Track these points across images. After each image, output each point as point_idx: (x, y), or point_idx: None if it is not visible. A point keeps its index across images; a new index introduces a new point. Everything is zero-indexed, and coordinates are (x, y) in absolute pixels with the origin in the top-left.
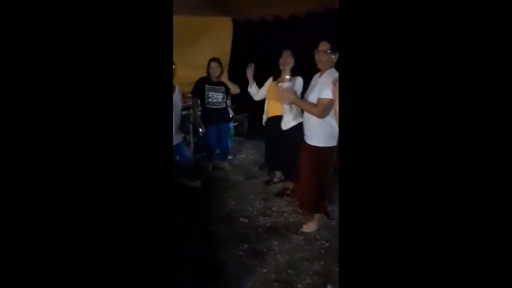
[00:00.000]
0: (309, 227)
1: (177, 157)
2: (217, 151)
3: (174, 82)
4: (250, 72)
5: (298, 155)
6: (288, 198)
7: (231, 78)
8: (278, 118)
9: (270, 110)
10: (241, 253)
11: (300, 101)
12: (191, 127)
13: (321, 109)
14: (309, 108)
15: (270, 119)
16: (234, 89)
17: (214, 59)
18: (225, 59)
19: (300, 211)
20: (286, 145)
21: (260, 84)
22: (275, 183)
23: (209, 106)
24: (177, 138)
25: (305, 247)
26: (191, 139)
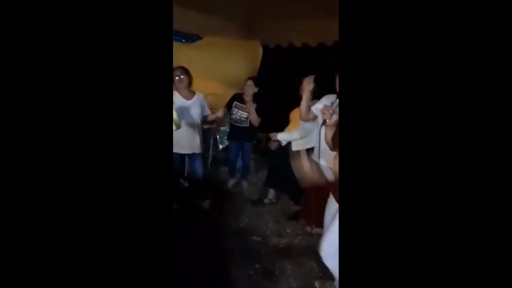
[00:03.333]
0: None
1: (187, 168)
2: (238, 167)
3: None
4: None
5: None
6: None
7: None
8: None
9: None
10: (251, 272)
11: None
12: (211, 141)
13: None
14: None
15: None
16: (255, 119)
17: (251, 78)
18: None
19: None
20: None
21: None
22: (265, 204)
23: (232, 122)
24: (193, 148)
25: (319, 274)
26: (210, 152)
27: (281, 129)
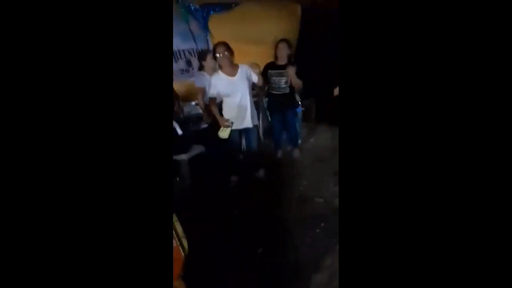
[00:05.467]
0: None
1: (244, 142)
2: (284, 137)
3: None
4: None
5: None
6: None
7: (296, 63)
8: None
9: None
10: (318, 230)
11: None
12: (260, 112)
13: None
14: None
15: None
16: (297, 83)
17: (282, 40)
18: (293, 44)
19: None
20: None
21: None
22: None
23: (272, 92)
24: (247, 122)
25: None
26: (260, 124)
27: (328, 91)
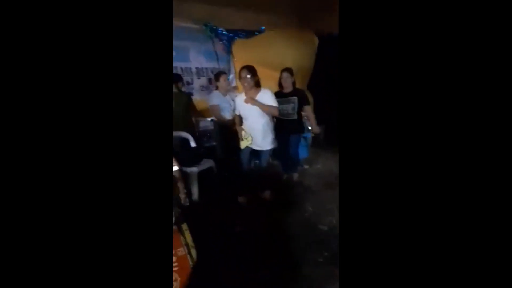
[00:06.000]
0: None
1: (255, 161)
2: (287, 161)
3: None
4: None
5: None
6: None
7: (310, 89)
8: None
9: None
10: (321, 260)
11: None
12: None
13: None
14: None
15: None
16: (316, 129)
17: (286, 70)
18: (308, 71)
19: None
20: None
21: None
22: None
23: (280, 117)
24: (260, 144)
25: None
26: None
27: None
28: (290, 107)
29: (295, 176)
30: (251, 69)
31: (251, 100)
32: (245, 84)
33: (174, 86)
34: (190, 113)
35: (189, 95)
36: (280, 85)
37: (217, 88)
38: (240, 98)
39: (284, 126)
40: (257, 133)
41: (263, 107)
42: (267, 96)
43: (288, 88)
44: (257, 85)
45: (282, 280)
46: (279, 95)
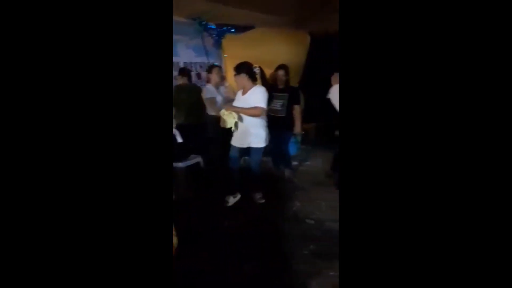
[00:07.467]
0: None
1: (245, 160)
2: (278, 158)
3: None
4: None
5: None
6: None
7: (301, 88)
8: None
9: None
10: (306, 252)
11: None
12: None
13: None
14: None
15: None
16: (297, 127)
17: (281, 67)
18: (299, 70)
19: None
20: None
21: None
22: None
23: (269, 114)
24: (249, 142)
25: None
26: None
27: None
28: (279, 104)
29: (287, 172)
30: (245, 65)
31: (232, 108)
32: (241, 79)
33: (185, 79)
34: (201, 105)
35: (199, 87)
36: (274, 81)
37: (208, 81)
38: (238, 94)
39: (273, 123)
40: (249, 130)
41: (244, 112)
42: (254, 95)
43: (281, 84)
44: (253, 79)
45: (268, 271)
46: (270, 90)
